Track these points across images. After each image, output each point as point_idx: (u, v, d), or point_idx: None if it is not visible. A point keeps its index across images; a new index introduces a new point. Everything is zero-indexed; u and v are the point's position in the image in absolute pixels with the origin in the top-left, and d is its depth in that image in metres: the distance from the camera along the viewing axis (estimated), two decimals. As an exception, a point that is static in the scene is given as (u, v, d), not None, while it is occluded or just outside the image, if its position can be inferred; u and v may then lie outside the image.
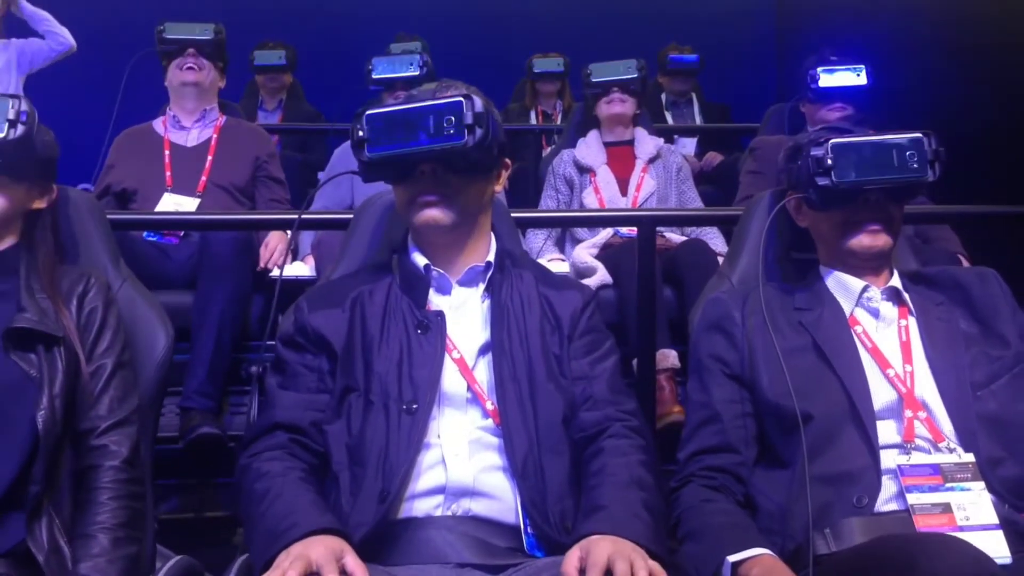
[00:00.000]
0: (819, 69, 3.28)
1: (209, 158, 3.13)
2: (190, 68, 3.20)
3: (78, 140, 3.65)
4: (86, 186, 3.27)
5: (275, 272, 2.83)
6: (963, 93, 3.94)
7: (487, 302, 1.57)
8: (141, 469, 1.52)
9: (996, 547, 1.41)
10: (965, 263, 2.92)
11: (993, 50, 3.86)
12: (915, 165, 1.59)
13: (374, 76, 3.54)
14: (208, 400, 2.65)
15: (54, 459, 1.45)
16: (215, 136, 3.20)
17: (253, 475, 1.42)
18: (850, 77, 3.32)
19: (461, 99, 1.48)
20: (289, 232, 2.93)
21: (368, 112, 1.51)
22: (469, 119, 1.47)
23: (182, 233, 2.91)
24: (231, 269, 2.71)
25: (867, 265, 1.64)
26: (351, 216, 1.90)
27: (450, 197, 1.52)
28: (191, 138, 3.19)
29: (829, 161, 1.58)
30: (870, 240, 1.61)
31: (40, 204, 1.64)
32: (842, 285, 1.65)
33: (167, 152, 3.13)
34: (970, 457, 1.49)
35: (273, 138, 4.49)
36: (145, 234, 2.89)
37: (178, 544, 1.61)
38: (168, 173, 3.07)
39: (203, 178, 3.09)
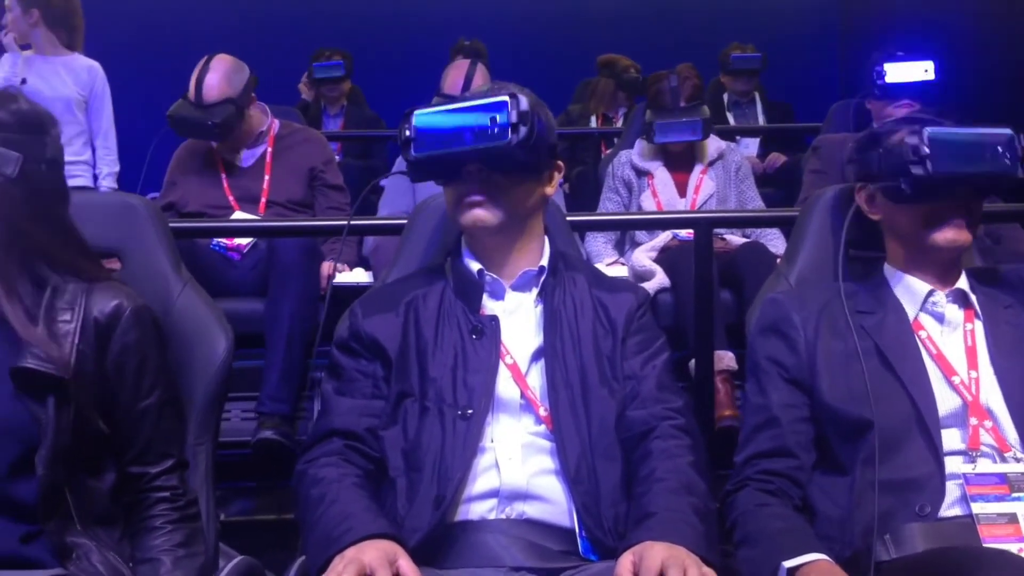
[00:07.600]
0: (886, 65, 3.19)
1: (266, 177, 3.11)
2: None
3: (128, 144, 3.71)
4: (154, 195, 3.35)
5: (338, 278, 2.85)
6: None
7: (540, 307, 1.57)
8: (192, 491, 1.51)
9: None
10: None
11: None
12: (1007, 161, 1.54)
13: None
14: (281, 405, 2.69)
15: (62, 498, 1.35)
16: (269, 149, 3.16)
17: (309, 481, 1.44)
18: (918, 72, 3.23)
19: (506, 98, 1.48)
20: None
21: (415, 112, 1.53)
22: (514, 118, 1.46)
23: (245, 249, 2.95)
24: (297, 273, 2.76)
25: (946, 260, 1.59)
26: (402, 221, 1.91)
27: (496, 197, 1.52)
28: (245, 156, 3.16)
29: (926, 150, 1.52)
30: (955, 234, 1.55)
31: None
32: (907, 288, 1.61)
33: (224, 175, 3.11)
34: None
35: (335, 146, 4.53)
36: (211, 244, 2.95)
37: (245, 545, 1.62)
38: (231, 197, 3.07)
39: (263, 199, 3.08)
